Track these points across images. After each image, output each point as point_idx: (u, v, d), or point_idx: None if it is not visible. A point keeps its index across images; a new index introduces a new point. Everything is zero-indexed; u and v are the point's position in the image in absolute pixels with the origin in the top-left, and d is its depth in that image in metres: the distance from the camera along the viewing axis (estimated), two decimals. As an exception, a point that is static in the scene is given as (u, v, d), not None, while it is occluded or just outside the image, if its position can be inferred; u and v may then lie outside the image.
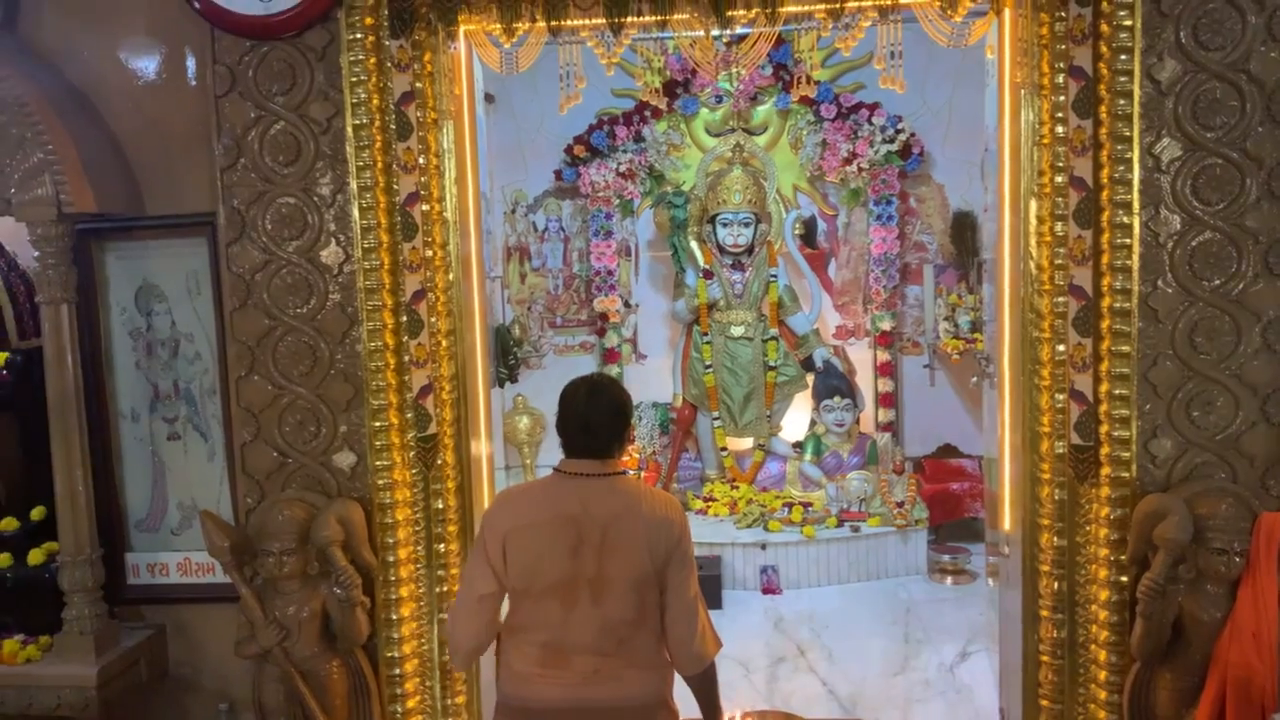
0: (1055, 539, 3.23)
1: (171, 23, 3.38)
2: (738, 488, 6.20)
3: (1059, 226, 3.11)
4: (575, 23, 3.31)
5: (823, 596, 5.53)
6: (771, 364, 6.26)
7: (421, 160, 3.31)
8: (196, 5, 3.19)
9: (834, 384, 6.21)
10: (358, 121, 3.19)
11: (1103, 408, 3.11)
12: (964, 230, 6.25)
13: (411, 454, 3.37)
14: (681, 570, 2.55)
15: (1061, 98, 3.06)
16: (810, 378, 6.36)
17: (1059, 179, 3.10)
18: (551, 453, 4.48)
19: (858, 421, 6.27)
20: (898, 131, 6.14)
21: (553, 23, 3.28)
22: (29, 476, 3.78)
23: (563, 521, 2.52)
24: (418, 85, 3.28)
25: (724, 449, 6.33)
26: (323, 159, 3.27)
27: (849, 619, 5.20)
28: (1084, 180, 3.08)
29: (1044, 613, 3.28)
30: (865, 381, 6.42)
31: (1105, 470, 3.12)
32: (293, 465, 3.39)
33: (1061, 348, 3.15)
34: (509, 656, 2.60)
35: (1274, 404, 3.08)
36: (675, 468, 6.35)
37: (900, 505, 5.84)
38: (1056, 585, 3.25)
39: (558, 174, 6.56)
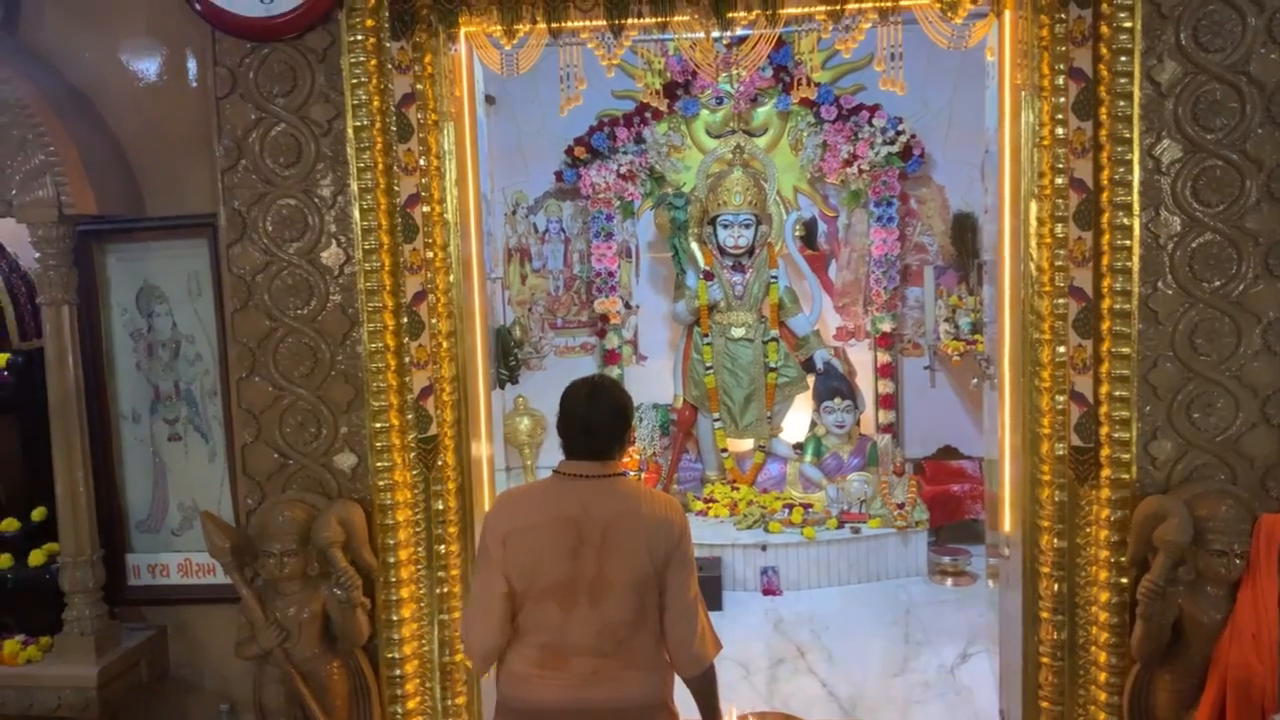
0: (1055, 540, 3.23)
1: (172, 24, 3.38)
2: (738, 489, 6.19)
3: (1059, 228, 3.11)
4: (575, 24, 3.32)
5: (823, 598, 5.53)
6: (772, 365, 6.25)
7: (422, 162, 3.31)
8: (197, 7, 3.19)
9: (834, 385, 6.21)
10: (358, 123, 3.20)
11: (1103, 409, 3.11)
12: (964, 232, 6.25)
13: (412, 455, 3.37)
14: (681, 571, 2.56)
15: (1062, 99, 3.06)
16: (811, 379, 6.36)
17: (1059, 180, 3.10)
18: (552, 454, 4.48)
19: (858, 423, 6.27)
20: (898, 133, 6.14)
21: (553, 24, 3.28)
22: (30, 477, 3.78)
23: (563, 523, 2.52)
24: (418, 87, 3.28)
25: (724, 450, 6.32)
26: (323, 160, 3.27)
27: (849, 620, 5.20)
28: (1084, 182, 3.08)
29: (1044, 614, 3.28)
30: (866, 383, 6.42)
31: (1105, 472, 3.12)
32: (293, 466, 3.39)
33: (1062, 349, 3.15)
34: (508, 657, 2.60)
35: (1274, 406, 3.08)
36: (675, 469, 6.34)
37: (900, 507, 5.84)
38: (1056, 587, 3.24)
39: (558, 175, 6.56)
